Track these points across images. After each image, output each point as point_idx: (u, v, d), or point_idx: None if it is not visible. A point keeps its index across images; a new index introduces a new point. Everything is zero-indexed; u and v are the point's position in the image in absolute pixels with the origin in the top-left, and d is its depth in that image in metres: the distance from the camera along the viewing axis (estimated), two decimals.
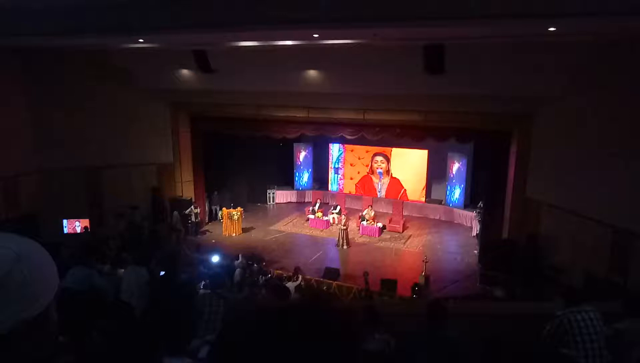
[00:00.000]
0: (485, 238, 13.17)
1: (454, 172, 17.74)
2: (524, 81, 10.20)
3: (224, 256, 12.03)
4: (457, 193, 17.72)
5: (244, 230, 16.41)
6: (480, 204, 15.44)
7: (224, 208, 16.50)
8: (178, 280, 5.72)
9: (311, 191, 20.36)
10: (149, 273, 5.33)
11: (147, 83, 14.15)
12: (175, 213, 15.22)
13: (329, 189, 20.31)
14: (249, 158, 18.61)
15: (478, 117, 12.03)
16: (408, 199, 18.35)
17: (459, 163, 17.45)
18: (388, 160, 18.49)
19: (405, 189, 18.24)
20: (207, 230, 16.56)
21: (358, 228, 16.71)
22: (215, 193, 17.72)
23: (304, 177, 20.81)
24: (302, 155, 20.63)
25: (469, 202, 17.51)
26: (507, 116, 11.80)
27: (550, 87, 10.32)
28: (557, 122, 10.79)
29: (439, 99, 11.86)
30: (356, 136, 15.30)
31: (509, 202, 12.57)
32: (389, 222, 16.88)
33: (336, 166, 19.88)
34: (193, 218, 15.70)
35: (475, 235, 15.81)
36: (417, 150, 17.73)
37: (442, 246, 15.27)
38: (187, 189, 16.23)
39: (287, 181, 20.94)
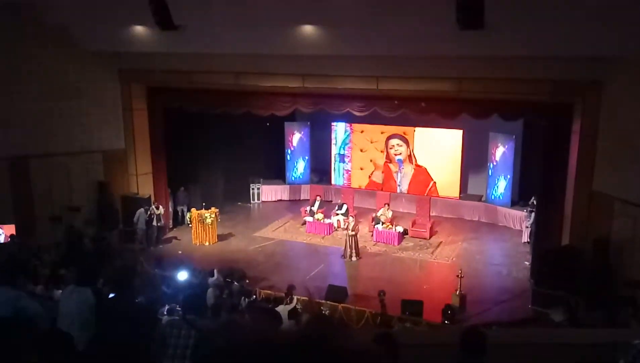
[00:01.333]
0: (540, 245, 13.18)
1: (497, 159, 17.74)
2: (591, 37, 10.16)
3: (194, 272, 12.08)
4: (501, 187, 17.74)
5: (220, 238, 16.44)
6: (533, 200, 15.45)
7: (193, 209, 16.52)
8: (134, 303, 5.73)
9: (308, 186, 20.38)
10: (94, 294, 5.34)
11: (90, 45, 14.10)
12: (141, 211, 15.30)
13: (332, 183, 20.27)
14: (226, 142, 18.58)
15: (529, 86, 12.00)
16: (438, 195, 18.31)
17: (504, 146, 17.45)
18: (407, 143, 18.43)
19: (434, 182, 18.20)
20: (173, 237, 16.60)
21: (371, 233, 16.70)
22: (182, 189, 17.72)
23: (299, 167, 20.82)
24: (296, 138, 20.63)
25: (518, 198, 17.49)
26: (567, 85, 11.76)
27: (627, 45, 10.27)
28: (635, 92, 10.77)
29: (477, 63, 11.82)
30: (367, 112, 15.29)
31: (571, 198, 12.55)
32: (412, 225, 16.92)
33: (341, 152, 19.83)
34: (154, 222, 15.76)
35: (526, 241, 15.85)
36: (448, 130, 17.65)
37: (482, 256, 15.31)
38: (144, 185, 16.24)
39: (277, 173, 20.91)
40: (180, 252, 15.47)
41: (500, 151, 17.61)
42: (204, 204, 16.93)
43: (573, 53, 10.78)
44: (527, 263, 14.31)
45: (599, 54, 10.70)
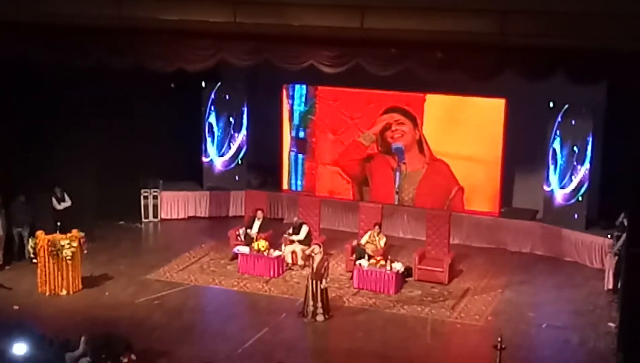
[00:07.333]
0: (634, 294, 13.36)
1: (564, 149, 17.97)
2: None
3: (41, 341, 11.94)
4: (571, 196, 17.97)
5: (88, 282, 16.33)
6: (623, 219, 15.67)
7: (40, 233, 16.25)
8: None
9: (242, 193, 20.34)
10: None
11: None
12: None
13: (283, 188, 20.34)
14: (100, 118, 18.49)
15: (616, 24, 12.17)
16: (464, 210, 18.47)
17: (574, 129, 17.63)
18: (414, 123, 18.56)
19: (461, 189, 18.37)
20: (0, 285, 16.48)
21: (350, 274, 16.76)
22: (22, 198, 17.45)
23: (226, 161, 20.95)
24: (222, 111, 20.70)
25: (598, 215, 17.75)
26: None
27: None
28: None
29: None
30: (345, 68, 15.21)
31: None
32: (420, 261, 16.97)
33: (300, 135, 19.86)
34: None
35: (611, 287, 16.06)
36: (482, 99, 17.85)
37: (537, 313, 15.45)
38: None
39: (188, 171, 21.01)
40: (16, 307, 15.21)
41: (569, 137, 17.85)
42: (58, 224, 16.71)
43: None
44: (612, 325, 14.46)
45: None
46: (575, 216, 17.87)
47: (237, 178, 20.93)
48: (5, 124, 16.80)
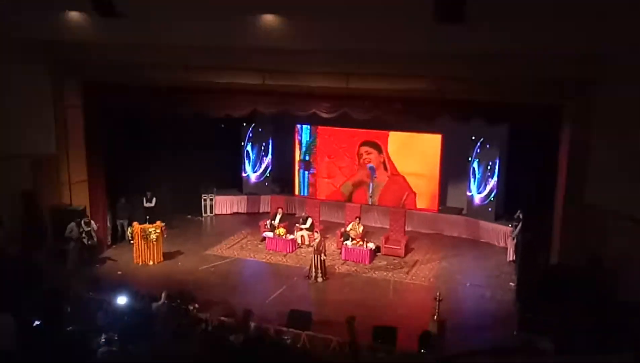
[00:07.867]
0: (527, 264, 13.32)
1: (480, 167, 18.04)
2: (582, 32, 10.37)
3: (136, 295, 11.88)
4: (485, 198, 18.03)
5: (167, 256, 16.30)
6: (519, 214, 15.74)
7: (135, 223, 16.28)
8: (64, 331, 5.63)
9: (269, 197, 20.33)
10: (16, 321, 5.22)
11: (16, 32, 13.76)
12: (73, 225, 14.98)
13: (296, 193, 20.30)
14: (175, 147, 18.50)
15: (514, 86, 12.19)
16: (416, 208, 18.48)
17: (488, 154, 17.74)
18: (380, 151, 18.73)
19: (408, 194, 18.44)
20: (108, 258, 16.36)
21: (339, 250, 16.75)
22: (123, 200, 17.45)
23: (258, 175, 20.92)
24: (255, 142, 20.69)
25: (503, 211, 17.78)
26: (556, 85, 11.96)
27: (624, 40, 10.44)
28: (633, 93, 10.99)
29: (456, 61, 11.95)
30: (336, 114, 15.39)
31: (560, 211, 12.79)
32: (385, 242, 16.99)
33: (306, 158, 19.91)
34: (86, 240, 15.41)
35: (511, 259, 16.11)
36: (425, 135, 17.91)
37: (463, 276, 15.45)
38: (78, 194, 15.92)
39: (233, 182, 20.97)
40: (119, 273, 15.23)
41: (484, 159, 17.91)
42: (147, 217, 16.81)
43: (561, 50, 10.97)
44: (512, 284, 14.50)
45: (588, 51, 10.89)
46: (490, 209, 17.93)
47: (267, 184, 20.97)
48: (115, 151, 16.89)
